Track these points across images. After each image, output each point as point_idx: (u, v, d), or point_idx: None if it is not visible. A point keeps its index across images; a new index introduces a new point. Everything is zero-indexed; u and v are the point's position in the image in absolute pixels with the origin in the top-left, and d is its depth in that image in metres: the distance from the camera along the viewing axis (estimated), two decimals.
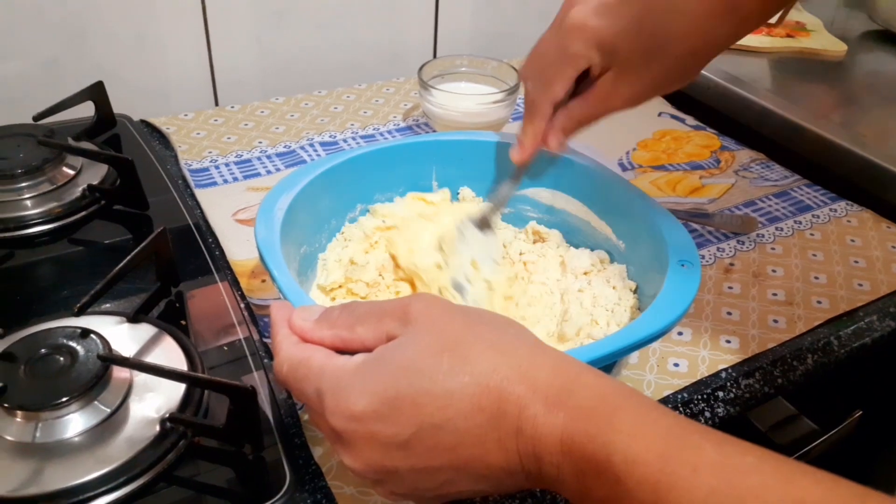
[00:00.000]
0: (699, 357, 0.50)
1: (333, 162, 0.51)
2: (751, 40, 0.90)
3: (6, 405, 0.39)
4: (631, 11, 0.43)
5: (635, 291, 0.49)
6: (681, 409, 0.47)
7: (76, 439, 0.39)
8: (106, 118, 0.70)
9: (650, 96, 0.46)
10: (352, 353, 0.33)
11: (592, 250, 0.53)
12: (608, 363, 0.39)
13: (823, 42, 0.92)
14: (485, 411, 0.28)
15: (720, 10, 0.41)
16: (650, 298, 0.43)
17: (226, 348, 0.48)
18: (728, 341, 0.52)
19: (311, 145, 0.72)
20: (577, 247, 0.54)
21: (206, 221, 0.61)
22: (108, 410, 0.40)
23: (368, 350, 0.33)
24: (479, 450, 0.29)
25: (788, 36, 0.92)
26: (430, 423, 0.29)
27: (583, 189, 0.53)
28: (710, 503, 0.25)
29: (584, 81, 0.47)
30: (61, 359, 0.41)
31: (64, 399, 0.39)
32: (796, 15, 0.99)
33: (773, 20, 0.94)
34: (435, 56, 0.95)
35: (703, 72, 0.82)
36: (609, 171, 0.52)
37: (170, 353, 0.45)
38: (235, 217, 0.61)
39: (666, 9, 0.42)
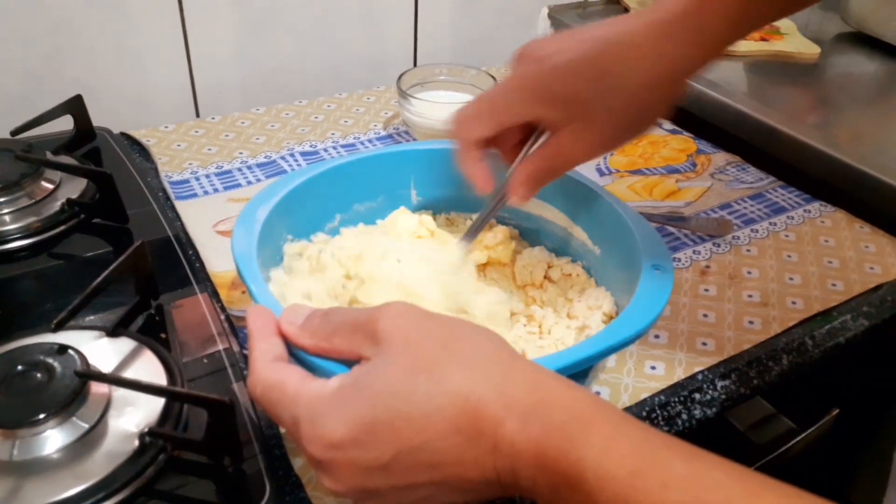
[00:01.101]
0: (676, 359, 0.51)
1: (311, 173, 0.51)
2: None
3: None
4: (574, 56, 0.41)
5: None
6: (658, 411, 0.48)
7: (55, 456, 0.39)
8: (85, 131, 0.70)
9: (614, 144, 0.45)
10: (333, 361, 0.33)
11: (574, 261, 0.54)
12: (582, 368, 0.39)
13: (797, 45, 0.93)
14: (462, 431, 0.29)
15: (669, 39, 0.40)
16: (624, 303, 0.43)
17: (206, 360, 0.48)
18: (704, 343, 0.52)
19: (292, 155, 0.73)
20: (555, 252, 0.55)
21: (187, 233, 0.61)
22: (87, 426, 0.40)
23: (345, 359, 0.33)
24: (458, 468, 0.29)
25: (762, 39, 0.94)
26: (408, 445, 0.29)
27: (558, 195, 0.54)
28: None
29: (541, 137, 0.45)
30: (38, 375, 0.41)
31: (41, 416, 0.39)
32: None
33: None
34: (415, 64, 0.95)
35: None
36: (583, 176, 0.53)
37: (149, 367, 0.45)
38: (216, 228, 0.61)
39: (612, 48, 0.41)
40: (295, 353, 0.35)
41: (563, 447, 0.28)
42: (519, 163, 0.46)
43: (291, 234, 0.50)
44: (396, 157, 0.55)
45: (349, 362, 0.33)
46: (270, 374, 0.33)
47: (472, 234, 0.51)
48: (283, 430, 0.44)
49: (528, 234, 0.57)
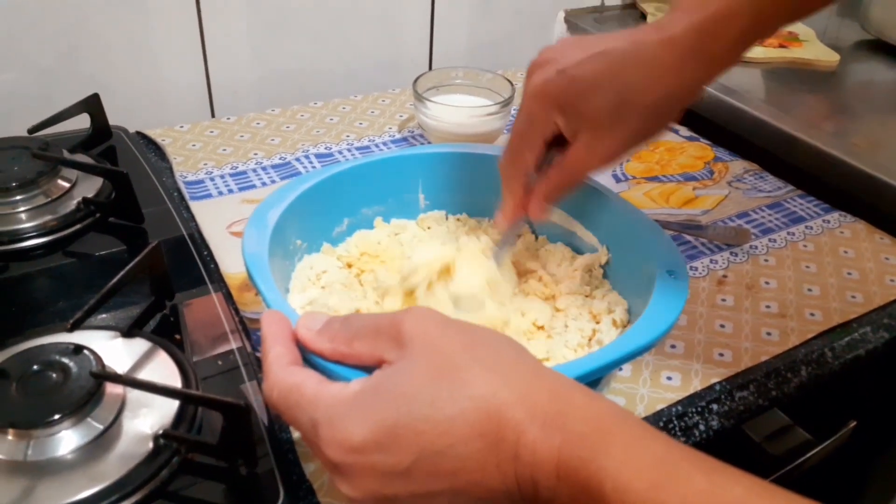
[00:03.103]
0: (692, 370, 0.50)
1: (318, 178, 0.51)
2: None
3: None
4: (593, 69, 0.42)
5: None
6: (675, 422, 0.47)
7: (69, 457, 0.39)
8: (101, 130, 0.70)
9: (628, 151, 0.45)
10: (350, 367, 0.33)
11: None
12: (598, 377, 0.39)
13: (816, 52, 0.92)
14: (485, 437, 0.29)
15: (687, 55, 0.40)
16: (638, 309, 0.43)
17: (220, 361, 0.48)
18: (721, 354, 0.52)
19: (307, 157, 0.73)
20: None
21: (201, 234, 0.61)
22: (101, 427, 0.40)
23: (365, 366, 0.33)
24: (478, 475, 0.29)
25: (781, 46, 0.93)
26: (430, 450, 0.29)
27: (569, 200, 0.53)
28: None
29: (562, 145, 0.46)
30: (54, 375, 0.41)
31: (56, 416, 0.39)
32: (789, 25, 0.99)
33: None
34: (431, 67, 0.95)
35: None
36: (594, 181, 0.53)
37: (164, 369, 0.45)
38: (230, 229, 0.61)
39: (630, 63, 0.41)
40: (312, 360, 0.35)
41: (584, 458, 0.27)
42: (536, 181, 0.47)
43: (300, 238, 0.50)
44: (403, 161, 0.55)
45: (368, 369, 0.32)
46: (287, 378, 0.32)
47: (503, 248, 0.50)
48: (295, 436, 0.44)
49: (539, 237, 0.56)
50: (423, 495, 0.30)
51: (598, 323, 0.47)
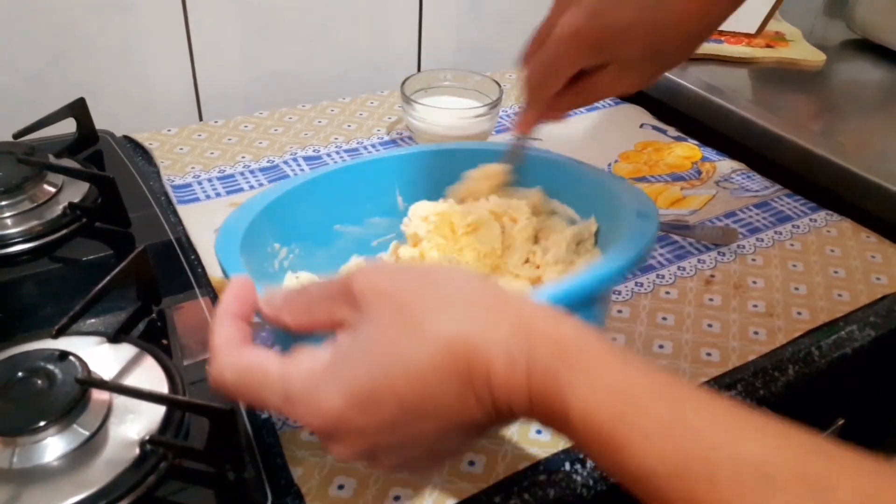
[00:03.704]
0: (680, 370, 0.50)
1: (290, 185, 0.51)
2: (731, 50, 0.91)
3: None
4: (628, 15, 0.43)
5: None
6: None
7: (55, 463, 0.39)
8: (88, 134, 0.70)
9: (650, 83, 0.48)
10: (316, 335, 0.33)
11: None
12: (564, 304, 0.39)
13: (803, 52, 0.93)
14: (457, 376, 0.29)
15: None
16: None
17: (208, 366, 0.47)
18: (709, 354, 0.52)
19: (295, 160, 0.72)
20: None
21: (188, 238, 0.61)
22: (88, 433, 0.40)
23: (328, 331, 0.32)
24: (460, 410, 0.30)
25: (768, 46, 0.93)
26: (410, 400, 0.29)
27: (539, 178, 0.53)
28: (659, 470, 0.26)
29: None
30: (39, 382, 0.41)
31: (42, 423, 0.39)
32: (775, 25, 1.00)
33: (752, 30, 0.95)
34: (419, 69, 0.95)
35: (683, 82, 0.84)
36: (555, 154, 0.53)
37: (150, 374, 0.45)
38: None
39: (662, 7, 0.43)
40: (282, 335, 0.34)
41: (550, 385, 0.28)
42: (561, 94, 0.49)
43: (278, 242, 0.50)
44: (377, 164, 0.55)
45: (334, 333, 0.32)
46: (241, 359, 0.32)
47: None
48: (284, 439, 0.43)
49: None
50: (413, 436, 0.30)
51: None
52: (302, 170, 0.71)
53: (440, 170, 0.55)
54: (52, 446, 0.39)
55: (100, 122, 0.71)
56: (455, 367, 0.29)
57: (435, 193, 0.55)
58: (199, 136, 0.76)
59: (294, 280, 0.49)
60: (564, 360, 0.28)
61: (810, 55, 0.92)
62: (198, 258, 0.58)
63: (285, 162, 0.72)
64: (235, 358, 0.32)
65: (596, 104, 0.86)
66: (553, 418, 0.29)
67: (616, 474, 0.27)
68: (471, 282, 0.32)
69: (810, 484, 0.24)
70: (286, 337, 0.36)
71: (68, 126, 0.69)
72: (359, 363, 0.30)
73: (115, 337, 0.47)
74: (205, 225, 0.62)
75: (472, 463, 0.43)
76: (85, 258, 0.57)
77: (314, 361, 0.31)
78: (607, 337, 0.30)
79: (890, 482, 0.24)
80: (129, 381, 0.44)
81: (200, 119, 0.84)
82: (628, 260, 0.40)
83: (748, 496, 0.24)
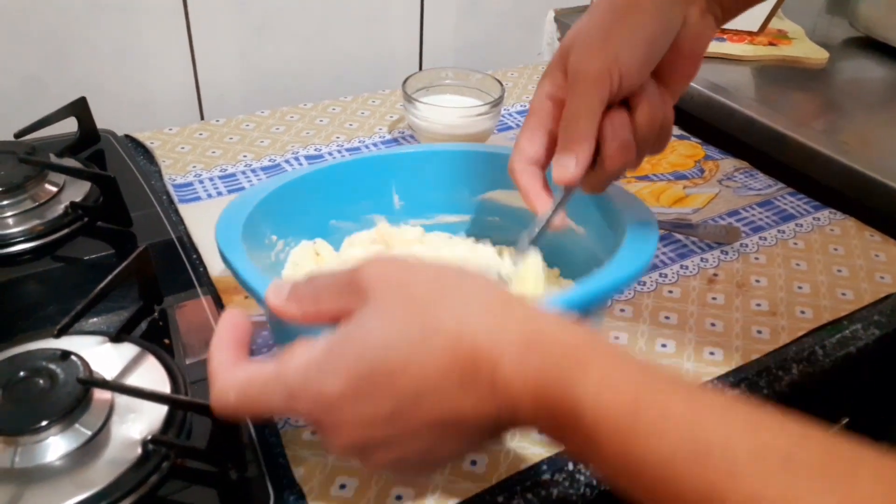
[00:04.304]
0: (683, 369, 0.50)
1: (287, 179, 0.51)
2: (733, 49, 0.91)
3: None
4: (635, 37, 0.41)
5: None
6: None
7: (57, 463, 0.38)
8: (89, 134, 0.70)
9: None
10: (321, 325, 0.32)
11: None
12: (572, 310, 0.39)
13: (805, 50, 0.92)
14: (460, 373, 0.29)
15: None
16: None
17: (210, 401, 0.47)
18: (712, 353, 0.52)
19: (296, 159, 0.72)
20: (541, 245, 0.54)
21: (190, 237, 0.61)
22: (89, 433, 0.40)
23: (336, 322, 0.32)
24: (458, 408, 0.29)
25: (770, 44, 0.93)
26: (408, 392, 0.29)
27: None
28: (677, 460, 0.25)
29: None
30: (41, 382, 0.41)
31: (44, 423, 0.39)
32: (778, 23, 0.99)
33: (755, 28, 0.95)
34: (421, 68, 0.95)
35: None
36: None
37: (153, 374, 0.45)
38: None
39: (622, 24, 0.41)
40: (289, 328, 0.34)
41: (560, 385, 0.28)
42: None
43: (275, 234, 0.50)
44: (374, 162, 0.55)
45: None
46: (236, 377, 0.32)
47: (535, 240, 0.47)
48: (285, 439, 0.43)
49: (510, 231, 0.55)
50: (410, 432, 0.30)
51: None
52: None
53: (437, 169, 0.55)
54: (54, 446, 0.39)
55: (101, 122, 0.71)
56: (459, 364, 0.28)
57: (432, 192, 0.55)
58: (201, 135, 0.76)
59: (294, 269, 0.49)
60: (574, 357, 0.28)
61: (813, 53, 0.92)
62: (199, 257, 0.58)
63: (287, 161, 0.72)
64: (232, 377, 0.32)
65: None
66: (558, 419, 0.28)
67: (626, 469, 0.26)
68: (481, 282, 0.32)
69: (832, 473, 0.23)
70: (287, 335, 0.36)
71: (70, 125, 0.69)
72: (359, 349, 0.29)
73: (116, 336, 0.47)
74: (206, 224, 0.61)
75: (474, 462, 0.42)
76: (86, 257, 0.57)
77: (311, 351, 0.30)
78: (608, 340, 0.30)
79: None
80: (131, 380, 0.44)
81: (202, 118, 0.84)
82: (634, 270, 0.40)
83: (771, 485, 0.23)
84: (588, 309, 0.40)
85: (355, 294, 0.31)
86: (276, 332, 0.46)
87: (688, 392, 0.27)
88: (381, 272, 0.31)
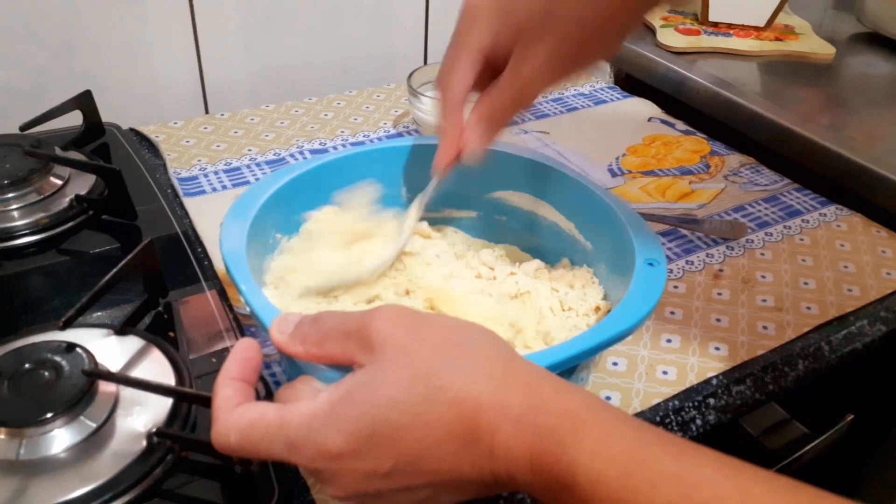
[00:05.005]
0: (688, 364, 0.50)
1: (294, 174, 0.50)
2: (740, 44, 0.91)
3: None
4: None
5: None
6: (672, 416, 0.47)
7: (62, 455, 0.38)
8: (94, 127, 0.70)
9: (565, 69, 0.44)
10: (325, 365, 0.33)
11: (553, 263, 0.53)
12: (575, 364, 0.39)
13: (812, 45, 0.92)
14: (459, 439, 0.29)
15: None
16: (617, 299, 0.43)
17: (214, 359, 0.48)
18: (717, 348, 0.52)
19: (301, 153, 0.72)
20: (543, 248, 0.54)
21: (195, 231, 0.61)
22: (94, 425, 0.40)
23: (338, 365, 0.32)
24: (456, 471, 0.30)
25: (777, 39, 0.93)
26: (408, 454, 0.29)
27: (548, 190, 0.53)
28: None
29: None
30: (46, 374, 0.41)
31: (49, 415, 0.39)
32: (785, 18, 0.99)
33: (762, 23, 0.95)
34: (426, 62, 0.95)
35: (691, 76, 0.84)
36: (573, 171, 0.52)
37: (157, 366, 0.45)
38: None
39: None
40: (293, 363, 0.34)
41: (555, 451, 0.28)
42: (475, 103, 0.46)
43: (280, 232, 0.50)
44: (368, 156, 0.54)
45: (344, 368, 0.32)
46: (240, 418, 0.32)
47: (420, 209, 0.50)
48: None
49: (524, 239, 0.55)
50: (404, 490, 0.31)
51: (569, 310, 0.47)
52: None
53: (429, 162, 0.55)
54: (59, 438, 0.39)
55: (106, 115, 0.71)
56: (458, 430, 0.29)
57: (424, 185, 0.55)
58: (206, 128, 0.75)
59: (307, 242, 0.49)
60: (572, 423, 0.29)
61: (820, 48, 0.91)
62: (204, 251, 0.58)
63: (291, 155, 0.72)
64: (235, 418, 0.32)
65: (604, 98, 0.86)
66: (555, 483, 0.28)
67: None
68: (489, 343, 0.32)
69: None
70: (293, 365, 0.35)
71: (75, 118, 0.69)
72: (364, 408, 0.30)
73: (121, 329, 0.47)
74: (211, 217, 0.62)
75: None
76: (91, 251, 0.57)
77: (315, 404, 0.31)
78: (606, 403, 0.31)
79: None
80: (136, 373, 0.44)
81: (207, 112, 0.84)
82: (640, 319, 0.40)
83: None
84: (589, 357, 0.40)
85: (362, 347, 0.31)
86: (283, 359, 0.46)
87: (678, 451, 0.28)
88: (392, 331, 0.31)
